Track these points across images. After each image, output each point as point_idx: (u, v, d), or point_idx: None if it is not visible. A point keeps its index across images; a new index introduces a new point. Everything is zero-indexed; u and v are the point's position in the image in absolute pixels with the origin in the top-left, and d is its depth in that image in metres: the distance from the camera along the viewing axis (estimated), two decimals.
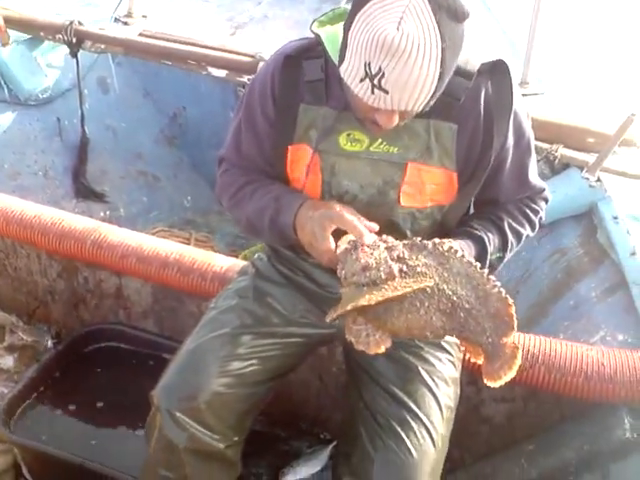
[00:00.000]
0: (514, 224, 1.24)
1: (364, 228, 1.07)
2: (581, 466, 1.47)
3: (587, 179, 1.93)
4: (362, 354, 1.30)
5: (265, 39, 2.92)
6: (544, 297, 1.93)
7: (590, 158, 1.99)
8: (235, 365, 1.25)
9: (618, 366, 1.43)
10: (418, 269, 1.05)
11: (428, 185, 1.17)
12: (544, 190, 1.30)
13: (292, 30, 3.05)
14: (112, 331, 1.96)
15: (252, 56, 2.45)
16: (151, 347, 1.92)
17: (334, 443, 1.79)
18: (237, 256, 2.71)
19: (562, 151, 2.01)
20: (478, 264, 1.05)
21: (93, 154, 2.99)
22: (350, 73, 1.00)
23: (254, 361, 1.27)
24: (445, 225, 1.25)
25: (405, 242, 1.08)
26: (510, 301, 1.04)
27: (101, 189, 3.00)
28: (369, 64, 0.96)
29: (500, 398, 1.62)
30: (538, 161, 2.04)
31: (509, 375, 1.08)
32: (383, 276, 1.04)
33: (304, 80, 1.19)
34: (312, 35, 1.17)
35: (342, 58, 1.02)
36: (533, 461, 1.55)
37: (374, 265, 1.04)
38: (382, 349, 1.09)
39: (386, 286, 1.03)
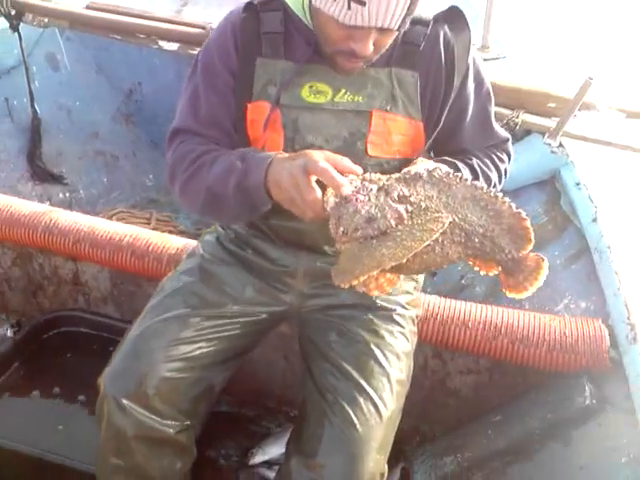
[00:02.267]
0: (482, 165, 1.23)
1: (342, 178, 0.97)
2: (545, 434, 1.48)
3: (549, 145, 1.90)
4: (314, 329, 1.30)
5: (217, 11, 2.81)
6: None
7: (552, 123, 1.96)
8: (182, 349, 1.21)
9: (579, 335, 1.43)
10: (422, 205, 0.96)
11: (395, 135, 1.16)
12: (508, 140, 1.29)
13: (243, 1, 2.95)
14: (72, 317, 1.92)
15: (203, 27, 2.36)
16: (112, 332, 1.88)
17: None
18: (203, 235, 2.67)
19: (523, 117, 1.98)
20: (483, 184, 0.98)
21: (47, 135, 2.86)
22: None
23: (202, 344, 1.23)
24: None
25: (395, 176, 0.99)
26: (524, 214, 0.98)
27: (58, 171, 2.89)
28: None
29: (465, 370, 1.61)
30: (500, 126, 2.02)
31: (536, 285, 1.02)
32: (393, 223, 0.95)
33: (262, 32, 1.16)
34: None
35: None
36: (500, 431, 1.57)
37: (378, 214, 0.95)
38: (398, 284, 1.04)
39: (398, 232, 0.95)
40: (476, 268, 1.04)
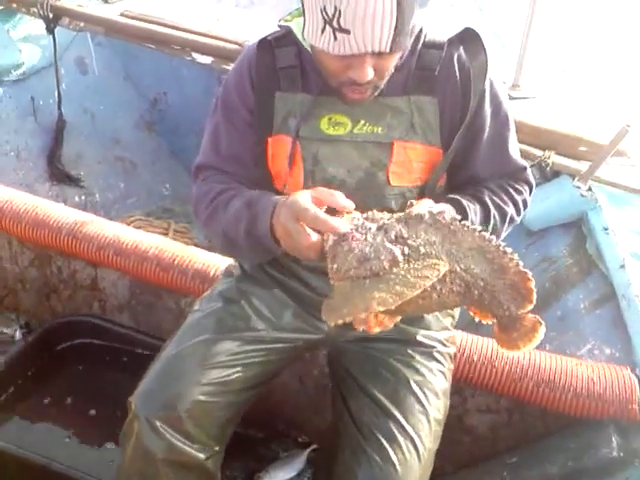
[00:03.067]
0: (495, 198, 1.18)
1: (335, 220, 0.95)
2: None
3: (578, 188, 1.91)
4: (351, 360, 1.27)
5: (251, 26, 2.83)
6: None
7: (582, 166, 1.96)
8: (218, 373, 1.18)
9: (607, 383, 1.41)
10: (422, 250, 0.92)
11: (415, 163, 1.15)
12: (525, 169, 1.24)
13: (280, 17, 2.98)
14: (85, 324, 1.88)
15: (239, 44, 2.38)
16: (126, 342, 1.86)
17: (312, 447, 1.75)
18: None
19: (554, 158, 1.98)
20: (493, 237, 0.93)
21: (69, 137, 2.86)
22: (312, 30, 1.00)
23: (238, 368, 1.21)
24: None
25: (396, 216, 0.95)
26: (529, 275, 0.93)
27: (77, 173, 2.89)
28: (325, 9, 0.96)
29: (485, 409, 1.59)
30: (530, 167, 2.02)
31: (529, 347, 0.98)
32: (386, 265, 0.90)
33: (278, 67, 1.17)
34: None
35: (304, 24, 1.04)
36: (515, 474, 1.53)
37: (372, 254, 0.91)
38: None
39: (392, 275, 0.90)
40: (471, 313, 1.01)
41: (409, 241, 0.93)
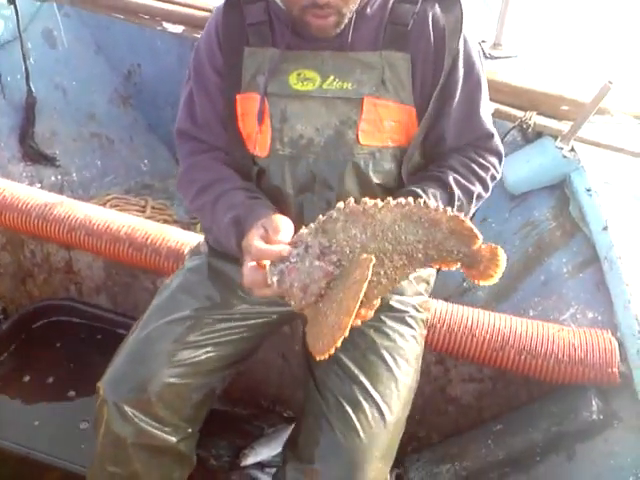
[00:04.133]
0: (460, 178, 1.13)
1: (276, 247, 0.96)
2: (547, 447, 1.45)
3: (561, 149, 1.86)
4: None
5: None
6: (514, 271, 1.87)
7: (564, 127, 1.91)
8: (188, 353, 1.16)
9: (589, 347, 1.40)
10: (347, 250, 0.94)
11: (386, 122, 1.11)
12: (493, 136, 1.18)
13: None
14: (63, 307, 1.87)
15: (208, 10, 2.29)
16: (104, 324, 1.83)
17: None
18: (196, 225, 2.61)
19: (535, 119, 1.93)
20: (409, 199, 0.93)
21: (42, 114, 2.77)
22: None
23: (209, 348, 1.18)
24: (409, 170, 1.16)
25: (313, 228, 0.95)
26: (462, 216, 0.93)
27: (51, 152, 2.80)
28: None
29: (468, 378, 1.57)
30: (511, 129, 1.98)
31: (499, 271, 0.97)
32: (323, 284, 0.94)
33: (247, 24, 1.13)
34: None
35: None
36: (500, 441, 1.53)
37: (308, 279, 0.94)
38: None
39: (335, 290, 0.93)
40: (436, 267, 1.00)
41: (332, 247, 0.94)
